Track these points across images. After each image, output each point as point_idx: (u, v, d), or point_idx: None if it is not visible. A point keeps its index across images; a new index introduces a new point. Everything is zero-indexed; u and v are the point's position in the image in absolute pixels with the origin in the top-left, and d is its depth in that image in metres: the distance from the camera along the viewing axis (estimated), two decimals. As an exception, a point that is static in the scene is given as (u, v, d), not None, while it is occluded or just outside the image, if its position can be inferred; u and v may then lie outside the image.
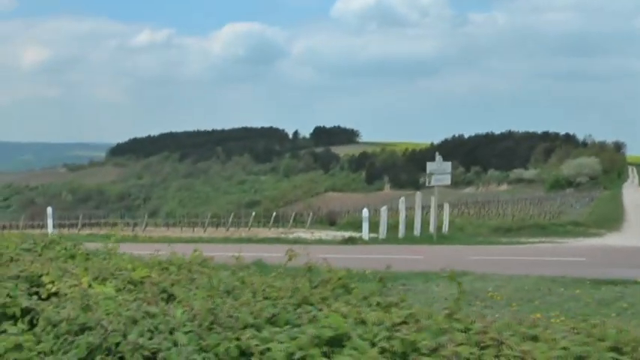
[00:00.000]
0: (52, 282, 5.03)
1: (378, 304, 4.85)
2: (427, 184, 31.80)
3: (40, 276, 5.20)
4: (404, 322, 3.93)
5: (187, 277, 5.82)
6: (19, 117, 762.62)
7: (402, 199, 32.76)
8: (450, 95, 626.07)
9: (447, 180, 31.99)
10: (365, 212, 31.34)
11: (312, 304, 4.52)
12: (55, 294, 4.95)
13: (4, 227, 62.34)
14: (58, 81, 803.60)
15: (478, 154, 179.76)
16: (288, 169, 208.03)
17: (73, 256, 7.46)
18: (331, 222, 48.98)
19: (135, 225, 52.57)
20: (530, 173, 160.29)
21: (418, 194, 33.76)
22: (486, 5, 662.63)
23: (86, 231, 46.14)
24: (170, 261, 6.65)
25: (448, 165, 32.04)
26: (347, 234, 35.22)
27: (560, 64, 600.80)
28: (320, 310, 4.24)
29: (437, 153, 32.02)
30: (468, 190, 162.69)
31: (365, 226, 30.58)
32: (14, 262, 6.48)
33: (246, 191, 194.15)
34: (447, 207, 35.00)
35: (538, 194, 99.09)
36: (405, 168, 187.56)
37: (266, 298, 4.80)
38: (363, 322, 3.96)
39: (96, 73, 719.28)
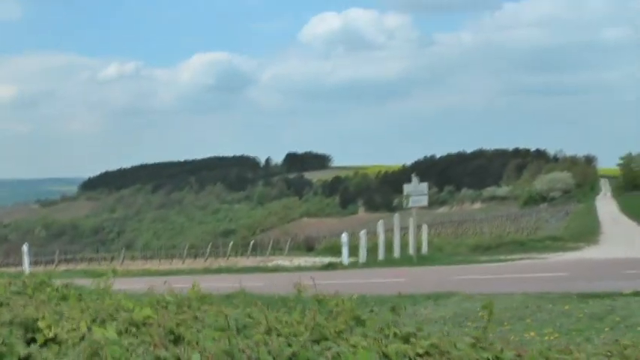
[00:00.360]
0: (49, 327, 4.79)
1: (396, 334, 4.65)
2: (405, 206, 31.75)
3: (36, 320, 4.98)
4: (427, 354, 3.80)
5: (191, 315, 5.62)
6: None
7: (381, 222, 32.72)
8: (420, 116, 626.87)
9: (424, 201, 31.88)
10: (344, 237, 31.12)
11: (327, 339, 4.35)
12: (53, 339, 4.74)
13: (-22, 267, 61.96)
14: (29, 116, 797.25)
15: (450, 174, 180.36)
16: (262, 196, 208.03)
17: (65, 298, 7.18)
18: (309, 248, 48.87)
19: (112, 259, 52.28)
20: (503, 190, 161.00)
21: (396, 216, 33.55)
22: (451, 25, 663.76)
23: (62, 267, 45.79)
24: (168, 298, 6.42)
25: (425, 186, 31.92)
26: (326, 259, 35.06)
27: (528, 79, 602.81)
28: (338, 345, 4.08)
29: (413, 174, 31.90)
30: (442, 209, 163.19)
31: (344, 250, 30.37)
32: (5, 306, 6.18)
33: (220, 220, 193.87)
34: (425, 228, 34.89)
35: (513, 211, 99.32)
36: (378, 190, 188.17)
37: (279, 335, 4.61)
38: (387, 356, 3.81)
39: (66, 107, 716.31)
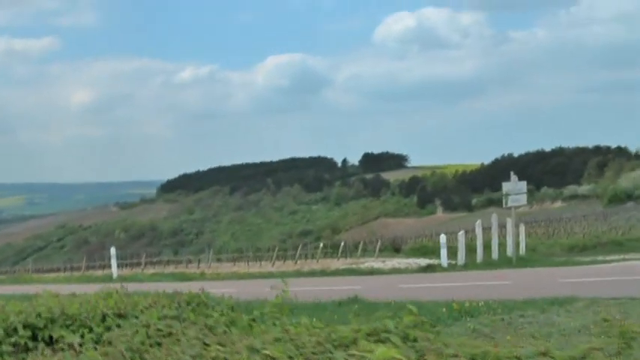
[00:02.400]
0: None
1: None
2: (504, 205, 30.76)
3: None
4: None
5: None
6: (69, 158, 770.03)
7: (479, 222, 31.78)
8: (496, 114, 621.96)
9: (523, 200, 30.97)
10: (443, 238, 30.27)
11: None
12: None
13: (64, 269, 62.32)
14: (106, 120, 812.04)
15: (530, 173, 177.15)
16: (339, 197, 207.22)
17: (233, 322, 6.40)
18: (396, 249, 48.03)
19: (199, 261, 52.00)
20: (584, 189, 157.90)
21: (494, 216, 32.55)
22: (526, 22, 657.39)
23: (150, 270, 45.63)
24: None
25: (523, 184, 30.94)
26: (419, 261, 34.31)
27: (606, 76, 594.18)
28: None
29: (512, 172, 30.86)
30: (522, 209, 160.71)
31: (443, 252, 29.50)
32: (169, 337, 5.47)
33: (298, 221, 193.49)
34: (523, 228, 33.87)
35: (598, 209, 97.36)
36: (456, 190, 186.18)
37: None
38: None
39: (142, 111, 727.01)
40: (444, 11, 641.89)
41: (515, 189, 30.24)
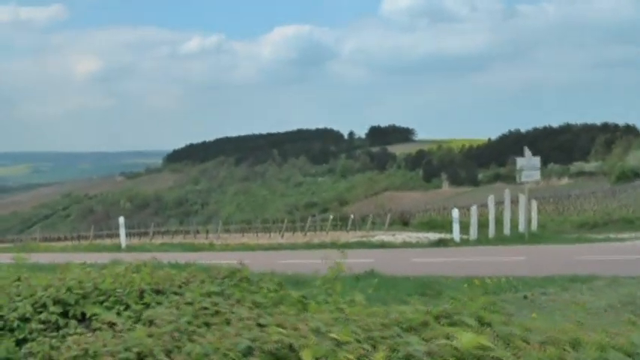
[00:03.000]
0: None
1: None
2: (517, 181, 30.44)
3: (293, 350, 3.78)
4: None
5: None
6: (74, 127, 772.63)
7: (491, 197, 31.48)
8: (504, 89, 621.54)
9: (537, 176, 30.63)
10: (455, 212, 30.00)
11: None
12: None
13: (72, 238, 62.13)
14: (112, 90, 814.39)
15: (536, 148, 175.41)
16: (345, 169, 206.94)
17: (282, 300, 5.90)
18: (404, 222, 47.82)
19: (207, 232, 51.81)
20: (591, 166, 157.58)
21: (507, 191, 32.31)
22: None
23: (158, 240, 45.45)
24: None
25: (537, 160, 30.59)
26: (428, 235, 34.13)
27: (615, 52, 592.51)
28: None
29: (526, 147, 30.50)
30: (528, 185, 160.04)
31: (456, 227, 29.21)
32: (216, 316, 4.97)
33: (303, 193, 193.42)
34: (534, 204, 33.55)
35: (605, 187, 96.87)
36: (462, 165, 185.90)
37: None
38: None
39: (148, 81, 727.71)
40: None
41: (529, 164, 29.91)
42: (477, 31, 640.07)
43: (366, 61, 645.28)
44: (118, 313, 5.54)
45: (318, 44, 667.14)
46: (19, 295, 6.12)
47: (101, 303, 5.79)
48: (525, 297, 12.48)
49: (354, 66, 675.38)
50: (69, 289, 5.96)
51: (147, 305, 5.65)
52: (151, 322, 4.76)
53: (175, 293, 5.99)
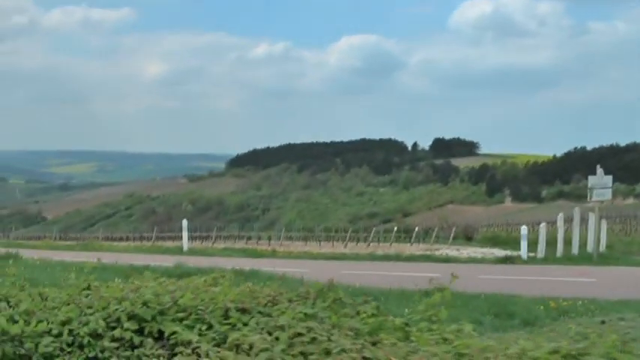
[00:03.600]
0: None
1: None
2: (588, 199, 29.82)
3: None
4: None
5: None
6: (140, 128, 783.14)
7: (561, 215, 30.89)
8: (571, 106, 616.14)
9: (608, 195, 29.96)
10: (524, 229, 29.44)
11: None
12: None
13: (134, 239, 62.57)
14: (179, 93, 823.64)
15: (602, 167, 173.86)
16: (408, 181, 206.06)
17: (381, 326, 5.17)
18: (467, 237, 47.31)
19: (269, 238, 51.75)
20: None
21: (576, 210, 31.65)
22: (606, 14, 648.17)
23: (220, 245, 45.47)
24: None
25: (609, 179, 29.89)
26: (493, 251, 33.66)
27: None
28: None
29: (598, 166, 29.82)
30: (591, 204, 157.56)
31: (523, 244, 28.64)
32: (313, 344, 4.41)
33: (364, 203, 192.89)
34: (604, 224, 32.83)
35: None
36: (526, 180, 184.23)
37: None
38: None
39: (215, 86, 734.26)
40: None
41: (600, 183, 29.27)
42: (544, 46, 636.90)
43: (432, 72, 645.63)
44: (200, 334, 5.06)
45: (385, 54, 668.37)
46: (90, 307, 5.63)
47: (180, 320, 5.31)
48: (603, 322, 12.01)
49: (420, 77, 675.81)
50: (145, 304, 5.48)
51: (232, 326, 5.09)
52: (237, 347, 4.36)
53: (261, 313, 5.48)
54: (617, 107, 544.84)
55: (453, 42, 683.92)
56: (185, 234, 36.06)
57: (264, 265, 21.49)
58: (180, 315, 5.39)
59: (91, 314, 5.48)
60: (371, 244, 43.86)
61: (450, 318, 8.73)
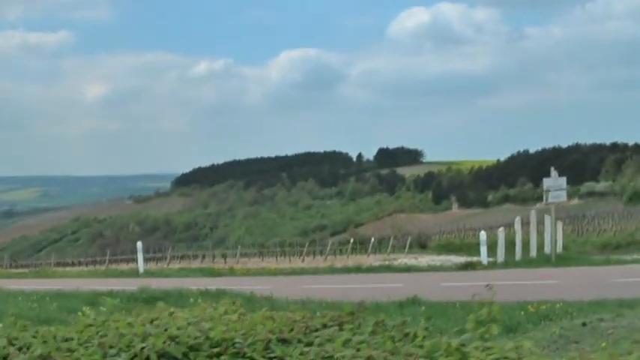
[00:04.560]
0: None
1: None
2: (545, 202, 30.02)
3: None
4: None
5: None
6: (84, 151, 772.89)
7: (518, 218, 31.04)
8: (512, 111, 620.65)
9: (563, 196, 30.19)
10: (482, 235, 29.55)
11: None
12: None
13: (86, 263, 61.71)
14: (121, 114, 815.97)
15: (546, 169, 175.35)
16: (354, 192, 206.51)
17: (435, 347, 4.63)
18: (422, 245, 47.42)
19: (224, 256, 51.39)
20: (602, 186, 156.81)
21: (533, 213, 31.90)
22: (541, 19, 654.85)
23: (175, 265, 45.05)
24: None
25: (564, 180, 30.15)
26: (450, 257, 33.75)
27: (622, 73, 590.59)
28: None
29: (552, 168, 30.07)
30: (538, 205, 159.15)
31: (483, 249, 28.72)
32: None
33: (312, 216, 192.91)
34: (560, 225, 33.11)
35: (618, 207, 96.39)
36: (471, 186, 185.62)
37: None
38: None
39: (157, 105, 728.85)
40: (459, 6, 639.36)
41: (555, 185, 29.50)
42: (483, 53, 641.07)
43: (373, 84, 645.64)
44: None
45: (325, 67, 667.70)
46: (112, 347, 5.03)
47: (217, 356, 4.75)
48: (584, 324, 11.95)
49: (361, 89, 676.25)
50: (172, 339, 4.95)
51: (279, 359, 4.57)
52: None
53: (301, 342, 4.98)
54: (558, 110, 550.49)
55: (392, 52, 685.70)
56: (140, 256, 35.56)
57: (224, 284, 21.25)
58: (216, 350, 4.90)
59: (116, 354, 4.98)
60: (328, 257, 43.73)
61: (436, 329, 8.58)
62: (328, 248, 48.00)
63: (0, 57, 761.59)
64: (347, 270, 30.08)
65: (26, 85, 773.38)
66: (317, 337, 5.11)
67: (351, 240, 51.10)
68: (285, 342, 5.01)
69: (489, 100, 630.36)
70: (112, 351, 4.98)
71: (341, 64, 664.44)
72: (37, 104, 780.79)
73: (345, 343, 4.69)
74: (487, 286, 5.68)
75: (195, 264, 46.26)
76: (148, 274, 32.47)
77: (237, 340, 4.93)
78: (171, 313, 6.04)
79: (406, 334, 5.00)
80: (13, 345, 5.48)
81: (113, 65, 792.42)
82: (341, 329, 5.32)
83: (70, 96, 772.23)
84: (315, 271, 31.20)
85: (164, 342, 4.94)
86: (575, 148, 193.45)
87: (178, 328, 5.20)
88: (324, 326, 5.49)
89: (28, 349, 5.31)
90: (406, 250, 42.38)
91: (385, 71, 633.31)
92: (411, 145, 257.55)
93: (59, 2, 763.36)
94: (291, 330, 5.26)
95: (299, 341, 5.05)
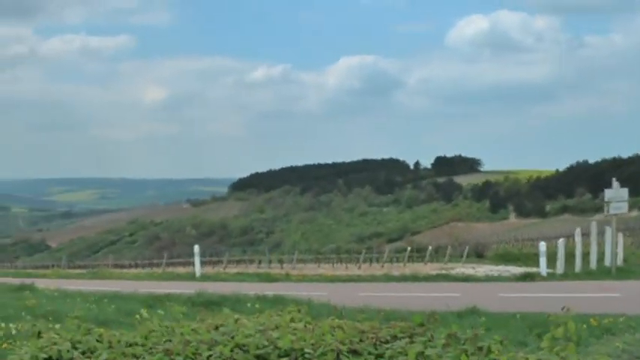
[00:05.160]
0: None
1: None
2: (605, 213, 29.56)
3: None
4: None
5: None
6: (141, 154, 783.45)
7: (578, 229, 30.61)
8: (570, 120, 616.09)
9: (624, 208, 29.69)
10: (542, 246, 29.14)
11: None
12: None
13: (143, 265, 62.14)
14: (178, 118, 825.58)
15: (605, 180, 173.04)
16: (411, 199, 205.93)
17: None
18: (479, 254, 47.06)
19: (280, 262, 51.41)
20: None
21: (593, 224, 31.38)
22: (602, 27, 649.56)
23: (232, 269, 45.12)
24: None
25: (625, 192, 29.69)
26: (509, 268, 33.38)
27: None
28: None
29: (614, 179, 29.66)
30: (597, 217, 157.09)
31: (542, 260, 28.32)
32: None
33: (368, 223, 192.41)
34: (621, 237, 32.59)
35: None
36: (529, 196, 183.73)
37: None
38: None
39: (215, 110, 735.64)
40: (519, 15, 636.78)
41: (617, 196, 29.05)
42: (542, 61, 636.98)
43: (431, 91, 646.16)
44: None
45: (383, 74, 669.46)
46: (179, 354, 4.95)
47: None
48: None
49: (419, 96, 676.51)
50: (240, 347, 4.83)
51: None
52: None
53: (371, 354, 4.83)
54: (618, 119, 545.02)
55: (450, 59, 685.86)
56: (197, 260, 35.65)
57: (281, 290, 21.25)
58: (285, 360, 4.77)
59: (184, 364, 4.92)
60: (384, 265, 43.54)
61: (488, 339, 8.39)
62: (385, 256, 47.76)
63: (61, 60, 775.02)
64: (404, 278, 29.91)
65: (86, 88, 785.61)
66: (388, 349, 4.98)
67: (408, 248, 50.88)
68: (356, 353, 4.89)
69: (547, 109, 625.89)
70: (178, 358, 4.95)
71: (398, 70, 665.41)
72: (95, 107, 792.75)
73: (418, 356, 4.57)
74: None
75: (252, 268, 46.25)
76: (205, 277, 32.54)
77: (306, 350, 4.83)
78: (236, 320, 5.94)
79: (480, 348, 4.85)
80: (76, 349, 5.47)
81: (171, 69, 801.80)
82: (412, 341, 5.16)
83: (128, 99, 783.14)
84: (372, 279, 30.97)
85: (231, 350, 4.86)
86: (636, 159, 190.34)
87: (245, 336, 5.09)
88: (395, 338, 5.35)
89: (92, 353, 5.34)
90: (463, 259, 42.04)
91: (442, 78, 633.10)
92: (467, 153, 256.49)
93: (120, 7, 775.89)
94: (361, 341, 5.13)
95: (369, 353, 4.94)
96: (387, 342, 5.13)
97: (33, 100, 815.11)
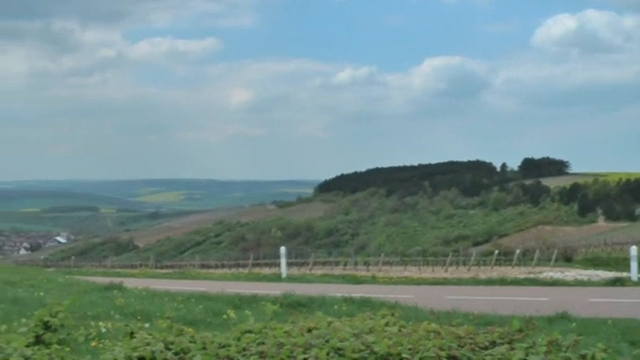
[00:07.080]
0: None
1: None
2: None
3: None
4: None
5: None
6: (227, 156, 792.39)
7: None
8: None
9: None
10: (634, 250, 28.64)
11: None
12: None
13: (230, 266, 62.77)
14: (264, 120, 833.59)
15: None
16: (497, 202, 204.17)
17: None
18: (567, 258, 46.46)
19: (366, 264, 51.44)
20: None
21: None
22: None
23: (318, 271, 45.30)
24: None
25: None
26: (598, 272, 32.90)
27: None
28: None
29: None
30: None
31: (634, 265, 27.86)
32: None
33: (454, 226, 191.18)
34: None
35: None
36: (618, 199, 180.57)
37: None
38: None
39: (300, 111, 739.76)
40: (607, 14, 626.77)
41: None
42: (632, 61, 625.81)
43: (517, 92, 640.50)
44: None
45: (469, 75, 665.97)
46: (273, 357, 5.01)
47: None
48: None
49: (505, 97, 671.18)
50: (336, 351, 4.85)
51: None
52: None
53: (469, 359, 4.78)
54: None
55: (537, 60, 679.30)
56: (283, 261, 35.87)
57: (367, 292, 21.26)
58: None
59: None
60: (471, 268, 43.30)
61: (583, 346, 8.37)
62: (472, 258, 47.45)
63: (148, 63, 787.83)
64: (491, 282, 29.70)
65: (173, 91, 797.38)
66: (487, 355, 4.95)
67: (496, 251, 50.44)
68: (455, 359, 4.85)
69: (637, 110, 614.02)
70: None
71: (484, 71, 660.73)
72: (182, 110, 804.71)
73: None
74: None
75: (337, 270, 46.40)
76: (291, 279, 32.70)
77: (404, 355, 4.79)
78: (329, 323, 6.00)
79: (583, 356, 4.84)
80: (169, 349, 5.61)
81: (257, 72, 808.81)
82: (512, 348, 5.09)
83: (214, 102, 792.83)
84: (459, 282, 30.79)
85: (327, 353, 4.88)
86: None
87: (341, 340, 5.12)
88: (493, 343, 5.31)
89: (185, 354, 5.47)
90: (552, 263, 41.51)
91: (529, 79, 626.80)
92: (555, 155, 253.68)
93: (206, 11, 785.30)
94: (460, 346, 5.09)
95: (469, 359, 4.91)
96: (485, 348, 5.12)
97: (121, 104, 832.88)
